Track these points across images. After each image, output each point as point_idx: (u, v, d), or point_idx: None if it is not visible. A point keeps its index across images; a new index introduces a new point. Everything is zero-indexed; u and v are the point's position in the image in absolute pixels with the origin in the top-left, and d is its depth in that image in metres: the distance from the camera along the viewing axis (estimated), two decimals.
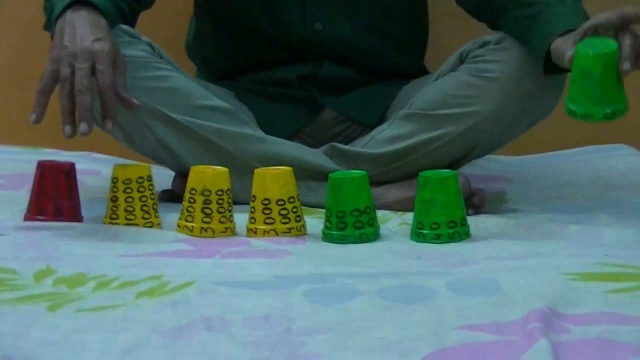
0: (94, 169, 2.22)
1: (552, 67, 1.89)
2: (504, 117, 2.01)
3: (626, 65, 1.70)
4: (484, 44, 2.05)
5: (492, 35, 2.06)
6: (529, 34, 1.95)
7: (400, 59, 2.28)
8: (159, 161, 2.09)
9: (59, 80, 1.78)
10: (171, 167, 2.10)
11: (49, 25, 1.95)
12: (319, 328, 1.30)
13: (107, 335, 1.28)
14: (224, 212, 1.82)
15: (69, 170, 1.89)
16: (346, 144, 2.11)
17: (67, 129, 1.75)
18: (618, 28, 1.76)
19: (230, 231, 1.83)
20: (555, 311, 1.34)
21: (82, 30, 1.84)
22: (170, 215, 1.91)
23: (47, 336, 1.27)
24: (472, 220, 1.85)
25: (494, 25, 2.09)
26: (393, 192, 2.03)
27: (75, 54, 1.79)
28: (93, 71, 1.78)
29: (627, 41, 1.73)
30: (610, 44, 1.72)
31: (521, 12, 1.99)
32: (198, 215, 1.82)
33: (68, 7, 1.89)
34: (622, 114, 1.71)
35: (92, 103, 1.76)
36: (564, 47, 1.80)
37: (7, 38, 2.60)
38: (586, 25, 1.79)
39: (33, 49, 2.49)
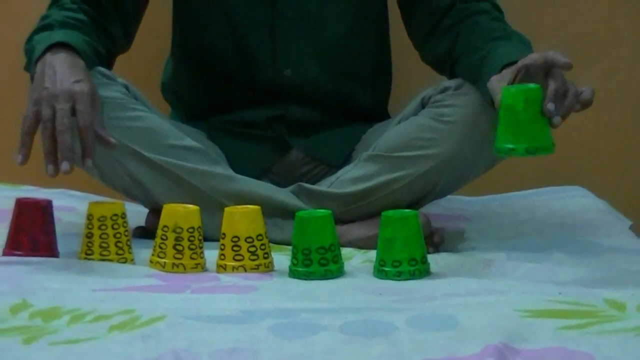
0: (70, 206, 2.22)
1: None
2: (462, 159, 2.02)
3: (549, 106, 1.71)
4: (444, 90, 2.06)
5: (452, 82, 2.07)
6: (480, 77, 1.96)
7: (365, 102, 2.29)
8: (133, 198, 2.09)
9: (41, 121, 1.79)
10: (144, 204, 2.10)
11: (29, 66, 1.96)
12: None
13: None
14: (195, 248, 1.82)
15: (45, 207, 1.89)
16: (313, 183, 2.12)
17: (50, 168, 1.76)
18: (545, 70, 1.78)
19: (201, 267, 1.83)
20: (509, 346, 1.34)
21: (62, 72, 1.85)
22: (143, 251, 1.90)
23: None
24: (432, 258, 1.86)
25: (453, 76, 2.10)
26: (357, 231, 2.04)
27: (56, 95, 1.80)
28: (73, 111, 1.79)
29: (552, 84, 1.75)
30: (533, 83, 1.74)
31: (473, 57, 2.01)
32: (170, 251, 1.82)
33: (47, 49, 1.91)
34: (545, 151, 1.71)
35: (72, 142, 1.77)
36: (496, 88, 1.82)
37: None
38: (519, 64, 1.81)
39: (13, 91, 2.48)
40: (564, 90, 1.75)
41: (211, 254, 1.86)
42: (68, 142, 1.77)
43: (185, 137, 2.07)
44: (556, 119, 1.73)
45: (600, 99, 1.79)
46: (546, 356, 1.33)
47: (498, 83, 1.82)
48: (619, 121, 2.59)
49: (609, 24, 2.62)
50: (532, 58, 1.80)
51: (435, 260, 1.87)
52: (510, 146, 1.71)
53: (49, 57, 1.90)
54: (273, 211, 2.00)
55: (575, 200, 2.40)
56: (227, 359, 1.31)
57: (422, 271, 1.80)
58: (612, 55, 2.62)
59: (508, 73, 1.84)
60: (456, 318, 1.46)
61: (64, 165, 1.75)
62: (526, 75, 1.79)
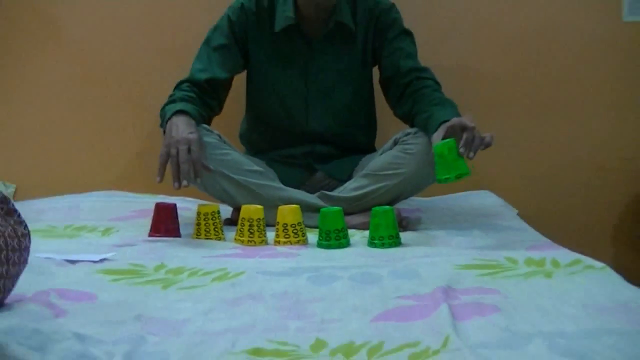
0: (187, 207, 2.21)
1: None
2: (418, 176, 2.00)
3: (461, 150, 1.72)
4: (407, 134, 2.05)
5: (412, 129, 2.06)
6: (427, 130, 1.96)
7: (361, 141, 2.28)
8: (224, 202, 2.08)
9: (170, 157, 1.80)
10: (230, 205, 2.09)
11: (163, 124, 1.97)
12: (316, 299, 1.30)
13: (195, 303, 1.29)
14: (261, 231, 1.83)
15: (173, 208, 1.90)
16: (329, 191, 2.10)
17: (176, 184, 1.78)
18: (461, 128, 1.77)
19: (265, 242, 1.83)
20: (450, 287, 1.34)
21: (182, 127, 1.86)
22: (230, 234, 1.90)
23: (161, 303, 1.28)
24: (402, 235, 1.85)
25: (412, 125, 2.09)
26: (357, 219, 2.01)
27: (179, 141, 1.82)
28: (189, 150, 1.80)
29: (464, 136, 1.75)
30: (451, 138, 1.74)
31: (422, 116, 2.00)
32: (246, 233, 1.82)
33: (173, 114, 1.92)
34: (466, 175, 1.72)
35: (189, 169, 1.77)
36: (434, 142, 1.80)
37: (139, 139, 2.61)
38: (447, 124, 1.81)
39: (154, 144, 2.49)
40: (472, 137, 1.75)
41: (270, 235, 1.86)
42: (186, 169, 1.78)
43: (254, 165, 2.07)
44: (470, 155, 1.73)
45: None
46: (470, 292, 1.32)
47: (436, 139, 1.81)
48: (510, 149, 2.59)
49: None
50: (453, 121, 1.80)
51: (404, 236, 1.86)
52: (446, 176, 1.72)
53: (174, 118, 1.91)
54: (307, 208, 1.98)
55: (486, 199, 2.39)
56: (282, 298, 1.31)
57: (396, 243, 1.79)
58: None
59: (441, 130, 1.82)
60: (418, 271, 1.46)
61: (184, 183, 1.77)
62: (452, 130, 1.79)
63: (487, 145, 1.77)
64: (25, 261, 1.17)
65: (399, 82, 2.13)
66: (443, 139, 1.79)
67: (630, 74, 2.54)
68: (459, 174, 1.71)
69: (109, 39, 2.60)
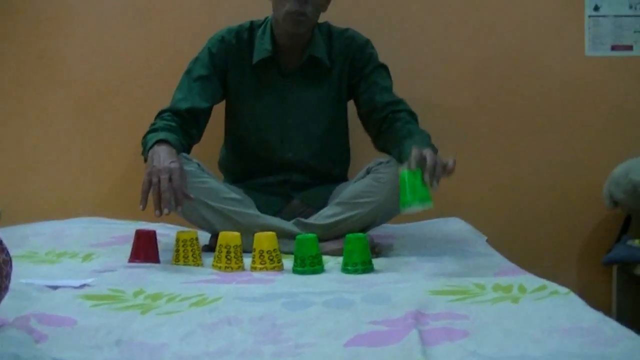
0: (166, 233, 2.19)
1: None
2: (389, 203, 1.99)
3: (425, 177, 1.68)
4: (379, 164, 2.06)
5: (384, 158, 2.07)
6: (399, 159, 1.95)
7: (335, 171, 2.28)
8: (202, 228, 2.07)
9: (152, 185, 1.79)
10: (208, 231, 2.08)
11: (144, 153, 1.96)
12: (291, 323, 1.29)
13: (173, 327, 1.27)
14: (238, 257, 1.81)
15: (153, 234, 1.89)
16: (305, 218, 2.10)
17: (157, 212, 1.77)
18: (423, 158, 1.72)
19: (242, 268, 1.82)
20: (421, 312, 1.34)
21: (163, 156, 1.86)
22: (208, 260, 1.89)
23: (140, 328, 1.27)
24: (375, 261, 1.84)
25: (389, 153, 2.08)
26: (331, 246, 2.00)
27: (160, 170, 1.81)
28: (170, 179, 1.79)
29: (427, 162, 1.71)
30: (418, 169, 1.71)
31: (395, 151, 2.01)
32: (223, 259, 1.81)
33: (155, 143, 1.92)
34: (428, 201, 1.67)
35: (170, 197, 1.77)
36: (399, 171, 1.78)
37: (121, 166, 2.60)
38: (411, 156, 1.73)
39: (135, 172, 2.48)
40: (434, 164, 1.72)
41: (247, 261, 1.85)
42: (168, 197, 1.77)
43: (232, 192, 2.06)
44: (434, 186, 1.70)
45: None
46: (440, 317, 1.32)
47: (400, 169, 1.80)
48: (478, 177, 2.61)
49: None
50: (413, 153, 1.73)
51: (377, 262, 1.85)
52: (408, 200, 1.68)
53: (155, 147, 1.91)
54: (283, 235, 1.97)
55: (456, 226, 2.39)
56: (258, 322, 1.30)
57: (369, 269, 1.79)
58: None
59: (405, 165, 1.79)
60: (389, 296, 1.45)
61: (165, 210, 1.76)
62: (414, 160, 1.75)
63: (450, 171, 1.73)
64: (7, 288, 1.16)
65: (376, 118, 2.14)
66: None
67: (592, 104, 2.59)
68: (421, 197, 1.67)
69: (95, 70, 2.59)
